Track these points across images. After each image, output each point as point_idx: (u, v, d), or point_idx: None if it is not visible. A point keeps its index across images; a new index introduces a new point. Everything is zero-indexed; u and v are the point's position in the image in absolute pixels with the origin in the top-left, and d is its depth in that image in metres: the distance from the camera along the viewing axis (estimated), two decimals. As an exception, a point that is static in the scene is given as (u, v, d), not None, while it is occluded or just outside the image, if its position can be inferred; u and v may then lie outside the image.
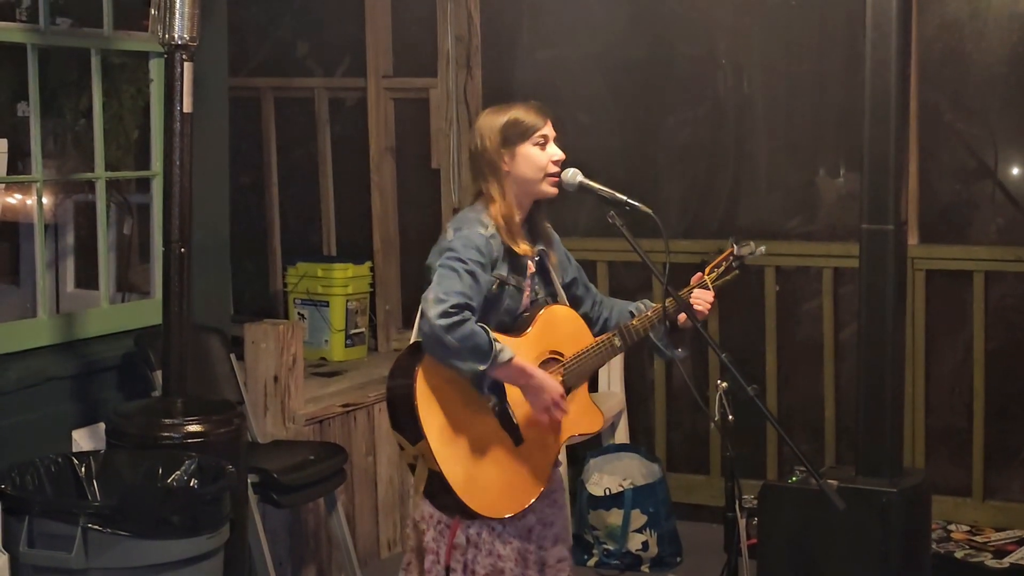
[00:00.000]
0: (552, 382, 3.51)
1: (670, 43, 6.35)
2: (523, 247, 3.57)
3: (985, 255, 5.73)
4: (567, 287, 3.74)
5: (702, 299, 3.71)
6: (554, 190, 3.60)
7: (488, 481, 3.48)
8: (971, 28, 5.78)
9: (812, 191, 6.21)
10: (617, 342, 3.66)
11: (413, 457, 3.49)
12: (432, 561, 3.54)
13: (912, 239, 5.68)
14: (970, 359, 5.79)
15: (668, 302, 3.62)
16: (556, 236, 3.76)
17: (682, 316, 3.67)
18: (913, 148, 5.61)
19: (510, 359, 3.41)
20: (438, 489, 3.46)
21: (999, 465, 5.81)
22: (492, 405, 3.50)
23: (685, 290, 3.71)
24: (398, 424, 3.49)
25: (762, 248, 3.79)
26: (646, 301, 3.83)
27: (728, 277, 3.80)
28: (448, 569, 3.52)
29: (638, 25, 6.35)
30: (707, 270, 3.77)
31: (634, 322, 3.68)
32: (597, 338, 3.67)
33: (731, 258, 3.79)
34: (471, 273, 3.41)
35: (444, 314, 3.31)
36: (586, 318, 3.75)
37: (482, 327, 3.37)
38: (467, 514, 3.49)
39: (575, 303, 3.76)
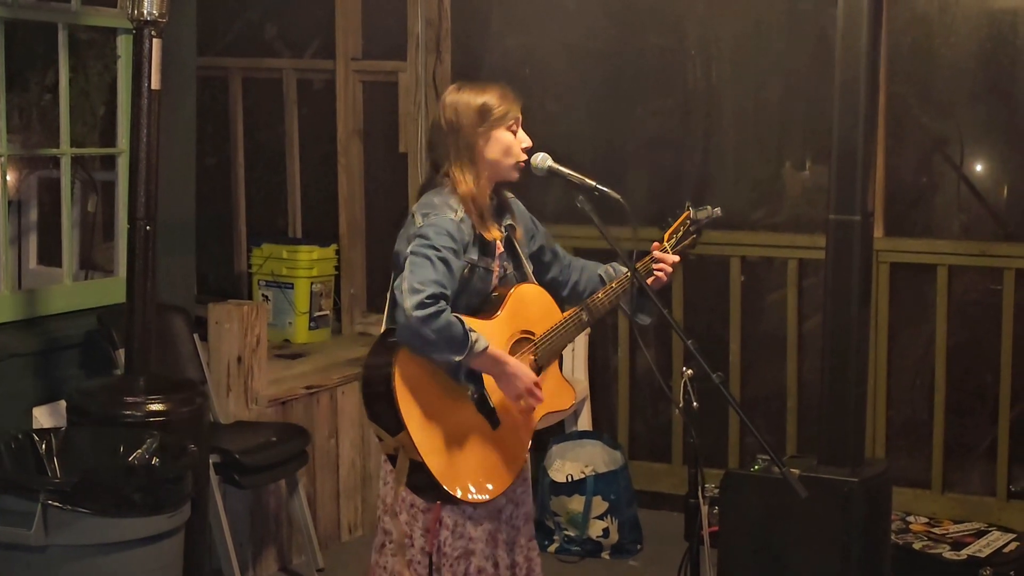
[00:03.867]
0: (526, 370, 3.49)
1: (640, 33, 6.36)
2: (493, 232, 3.55)
3: (949, 249, 5.76)
4: (535, 255, 3.73)
5: (663, 263, 3.72)
6: (517, 174, 3.59)
7: (469, 467, 3.46)
8: (940, 23, 5.80)
9: (778, 183, 6.23)
10: (585, 317, 3.67)
11: (393, 448, 3.43)
12: (405, 544, 3.53)
13: (877, 232, 5.68)
14: (932, 352, 5.82)
15: (631, 277, 3.62)
16: (520, 205, 3.72)
17: (650, 280, 3.68)
18: (880, 141, 5.63)
19: (485, 348, 3.38)
20: (420, 478, 3.43)
21: (958, 458, 5.85)
22: (471, 393, 3.48)
23: (646, 259, 3.72)
24: (376, 415, 3.44)
25: (718, 210, 3.80)
26: (615, 264, 3.81)
27: (687, 242, 3.80)
28: (424, 552, 3.50)
29: (608, 14, 6.35)
30: (665, 236, 3.78)
31: (600, 295, 3.69)
32: (565, 314, 3.66)
33: (688, 222, 3.80)
34: (444, 260, 3.36)
35: (420, 305, 3.27)
36: (555, 282, 3.75)
37: (457, 317, 3.34)
38: (449, 501, 3.47)
39: (543, 269, 3.75)
